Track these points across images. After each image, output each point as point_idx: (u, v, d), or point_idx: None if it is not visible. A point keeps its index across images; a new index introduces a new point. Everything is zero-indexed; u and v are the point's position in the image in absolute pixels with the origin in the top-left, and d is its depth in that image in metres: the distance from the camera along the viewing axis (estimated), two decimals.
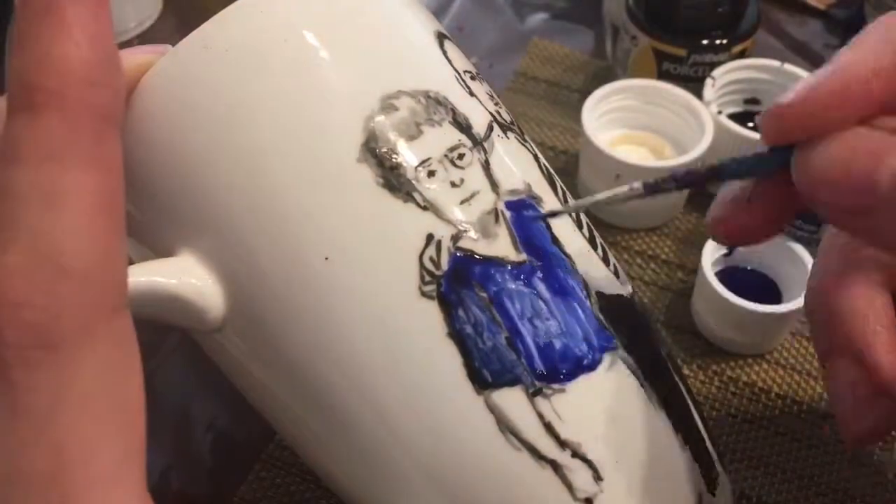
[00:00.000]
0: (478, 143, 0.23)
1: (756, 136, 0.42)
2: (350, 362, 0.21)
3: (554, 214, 0.23)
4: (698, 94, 0.44)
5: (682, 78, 0.47)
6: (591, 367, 0.22)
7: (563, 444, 0.22)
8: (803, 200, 0.20)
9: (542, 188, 0.24)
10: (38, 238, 0.15)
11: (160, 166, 0.22)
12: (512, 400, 0.21)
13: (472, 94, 0.24)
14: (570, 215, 0.24)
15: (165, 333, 0.37)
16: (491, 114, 0.24)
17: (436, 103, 0.22)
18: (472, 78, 0.25)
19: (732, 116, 0.45)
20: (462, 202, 0.22)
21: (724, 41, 0.46)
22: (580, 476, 0.22)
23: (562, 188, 0.25)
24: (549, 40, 0.55)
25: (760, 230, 0.23)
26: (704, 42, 0.46)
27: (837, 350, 0.26)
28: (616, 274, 0.25)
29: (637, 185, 0.23)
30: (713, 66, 0.45)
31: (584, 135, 0.42)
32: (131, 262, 0.20)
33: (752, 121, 0.45)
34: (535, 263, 0.22)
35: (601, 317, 0.23)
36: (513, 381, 0.21)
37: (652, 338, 0.26)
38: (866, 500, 0.34)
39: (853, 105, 0.19)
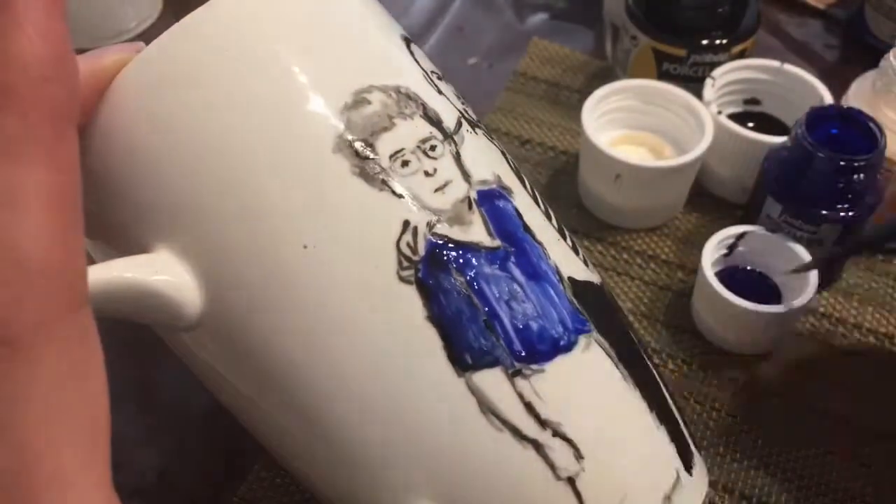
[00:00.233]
0: (448, 136, 0.23)
1: (756, 136, 0.42)
2: (328, 349, 0.22)
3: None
4: (698, 94, 0.44)
5: (682, 78, 0.47)
6: (568, 348, 0.23)
7: (543, 423, 0.22)
8: None
9: (511, 181, 0.25)
10: None
11: (135, 164, 0.22)
12: (492, 381, 0.22)
13: (440, 92, 0.25)
14: (539, 206, 0.25)
15: None
16: (459, 111, 0.25)
17: (406, 98, 0.23)
18: (440, 78, 0.26)
19: (732, 116, 0.45)
20: (436, 190, 0.22)
21: (724, 41, 0.46)
22: (561, 455, 0.22)
23: (530, 184, 0.26)
24: (549, 40, 0.55)
25: None
26: (704, 42, 0.46)
27: None
28: (585, 263, 0.26)
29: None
30: (713, 66, 0.45)
31: (584, 135, 0.42)
32: (91, 263, 0.20)
33: (751, 121, 0.46)
34: (509, 249, 0.23)
35: (574, 300, 0.24)
36: (492, 363, 0.22)
37: (623, 323, 0.26)
38: (866, 501, 0.34)
39: None
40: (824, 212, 0.37)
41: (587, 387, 0.23)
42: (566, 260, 0.25)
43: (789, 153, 0.38)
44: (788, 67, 0.44)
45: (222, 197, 0.21)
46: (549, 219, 0.26)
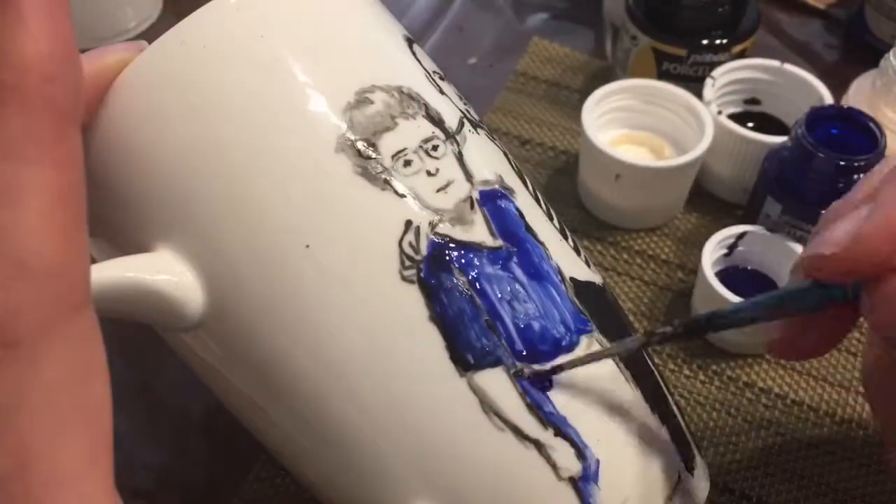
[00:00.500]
0: (450, 136, 0.24)
1: (756, 136, 0.42)
2: (331, 348, 0.22)
3: (574, 365, 0.23)
4: (698, 94, 0.44)
5: (682, 78, 0.47)
6: (570, 348, 0.23)
7: (545, 423, 0.22)
8: (879, 332, 0.21)
9: (513, 181, 0.25)
10: None
11: (137, 162, 0.22)
12: (494, 381, 0.22)
13: (442, 92, 0.25)
14: (541, 207, 0.25)
15: None
16: (461, 111, 0.25)
17: (409, 98, 0.23)
18: (442, 78, 0.26)
19: (732, 116, 0.45)
20: (438, 190, 0.23)
21: (724, 41, 0.46)
22: (563, 455, 0.22)
23: (532, 185, 0.26)
24: (549, 40, 0.55)
25: (814, 350, 0.25)
26: (704, 42, 0.46)
27: None
28: (587, 264, 0.26)
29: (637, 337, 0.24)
30: (713, 66, 0.45)
31: (584, 135, 0.42)
32: (94, 262, 0.20)
33: (751, 121, 0.46)
34: (511, 249, 0.23)
35: (576, 301, 0.24)
36: (495, 363, 0.22)
37: (624, 323, 0.27)
38: (866, 500, 0.34)
39: None
40: (824, 212, 0.37)
41: (590, 386, 0.23)
42: (568, 260, 0.25)
43: (789, 153, 0.38)
44: (788, 67, 0.44)
45: (224, 197, 0.21)
46: (551, 219, 0.26)
